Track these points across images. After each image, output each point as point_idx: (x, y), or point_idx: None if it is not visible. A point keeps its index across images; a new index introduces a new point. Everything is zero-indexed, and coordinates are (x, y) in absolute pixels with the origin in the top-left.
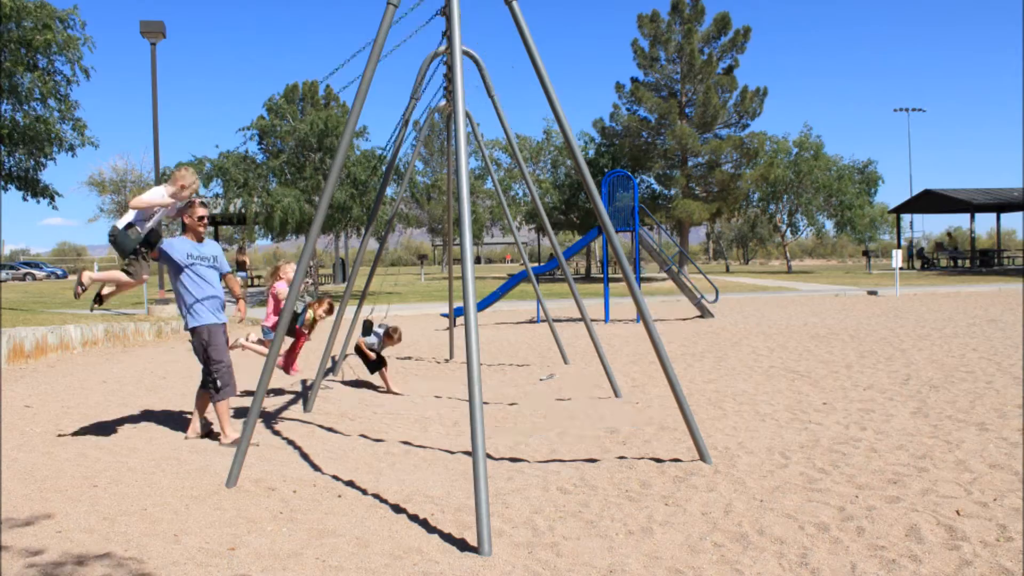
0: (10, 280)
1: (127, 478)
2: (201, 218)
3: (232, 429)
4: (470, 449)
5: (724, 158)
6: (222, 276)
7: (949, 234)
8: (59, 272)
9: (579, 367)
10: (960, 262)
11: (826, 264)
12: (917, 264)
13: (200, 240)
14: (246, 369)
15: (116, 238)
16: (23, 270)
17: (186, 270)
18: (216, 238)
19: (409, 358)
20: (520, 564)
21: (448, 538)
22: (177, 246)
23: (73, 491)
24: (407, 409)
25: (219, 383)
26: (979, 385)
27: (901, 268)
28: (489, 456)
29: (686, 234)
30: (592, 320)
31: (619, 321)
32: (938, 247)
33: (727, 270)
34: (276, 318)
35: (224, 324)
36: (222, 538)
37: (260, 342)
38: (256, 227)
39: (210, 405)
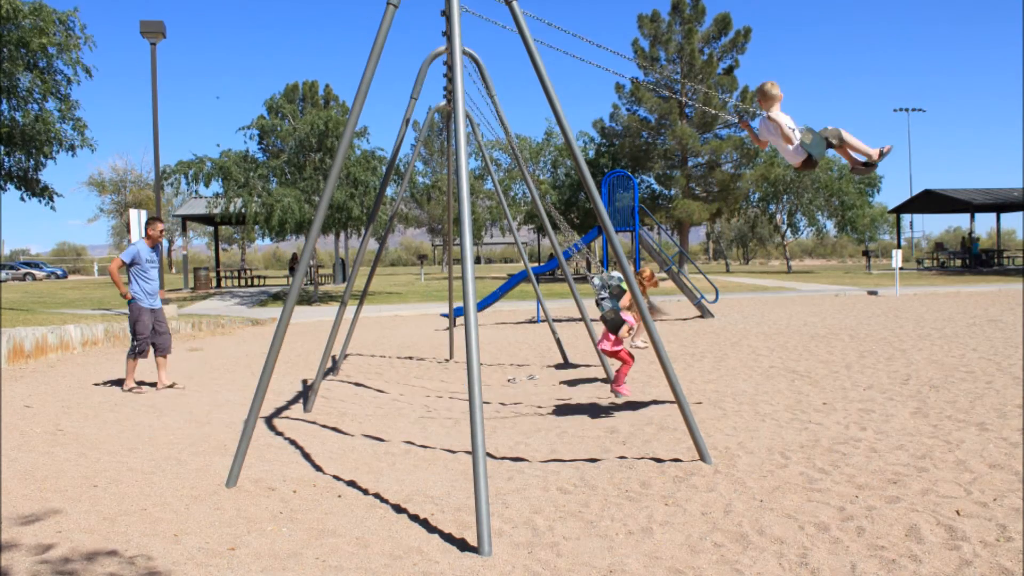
0: (10, 280)
1: (127, 478)
2: (161, 231)
3: (130, 380)
4: (470, 449)
5: (724, 158)
6: None
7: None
8: (59, 272)
9: (579, 367)
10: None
11: (826, 264)
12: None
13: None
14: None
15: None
16: (23, 270)
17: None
18: (216, 238)
19: (410, 358)
20: (520, 564)
21: (448, 538)
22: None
23: (73, 491)
24: (407, 409)
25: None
26: (979, 385)
27: (901, 268)
28: (489, 456)
29: (686, 234)
30: (592, 320)
31: None
32: (938, 247)
33: (727, 270)
34: (608, 344)
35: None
36: (222, 538)
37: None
38: (256, 227)
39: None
